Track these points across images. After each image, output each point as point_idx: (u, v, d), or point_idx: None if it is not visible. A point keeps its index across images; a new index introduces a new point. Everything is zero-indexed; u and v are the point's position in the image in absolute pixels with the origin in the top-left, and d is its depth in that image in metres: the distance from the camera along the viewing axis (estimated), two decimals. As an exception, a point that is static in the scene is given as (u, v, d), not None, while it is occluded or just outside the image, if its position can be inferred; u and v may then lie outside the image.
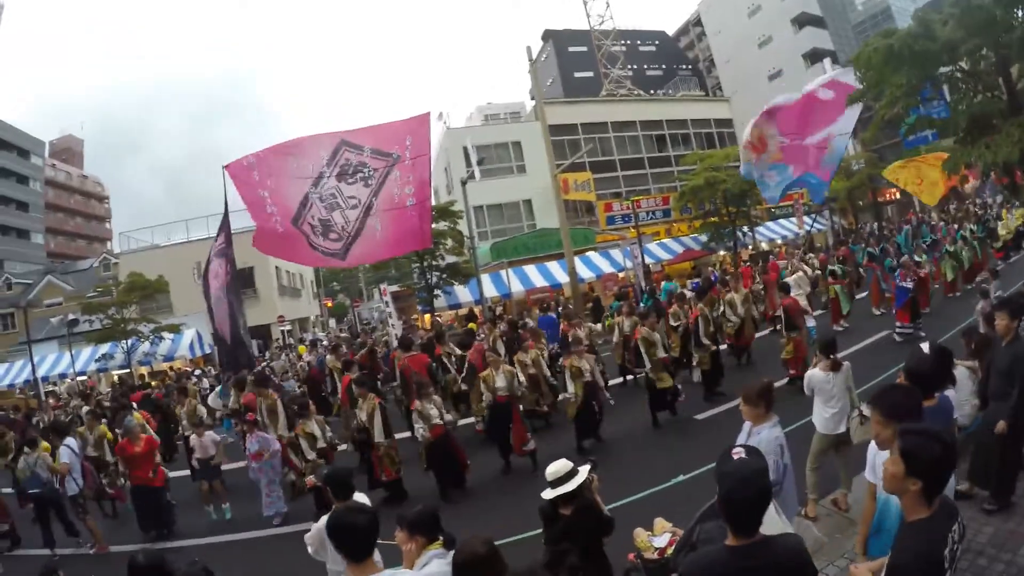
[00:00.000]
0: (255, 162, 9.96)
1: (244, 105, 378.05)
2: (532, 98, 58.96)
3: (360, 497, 5.03)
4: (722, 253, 31.11)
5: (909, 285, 14.36)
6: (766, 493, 2.69)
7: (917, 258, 17.32)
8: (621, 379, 15.12)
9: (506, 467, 10.26)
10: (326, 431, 9.66)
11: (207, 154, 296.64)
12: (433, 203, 25.03)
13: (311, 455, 9.20)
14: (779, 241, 34.45)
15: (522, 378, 11.49)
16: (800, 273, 16.52)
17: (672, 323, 13.78)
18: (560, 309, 20.69)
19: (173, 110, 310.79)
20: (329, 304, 47.54)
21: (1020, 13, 10.03)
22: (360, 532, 3.26)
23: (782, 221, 35.72)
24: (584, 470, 4.54)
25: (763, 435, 4.61)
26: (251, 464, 9.83)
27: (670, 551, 4.67)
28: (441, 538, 3.76)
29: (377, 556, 3.63)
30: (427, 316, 27.12)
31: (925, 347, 5.52)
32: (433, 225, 24.95)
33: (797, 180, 17.22)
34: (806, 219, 31.12)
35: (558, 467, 4.50)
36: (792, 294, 13.99)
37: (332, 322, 51.97)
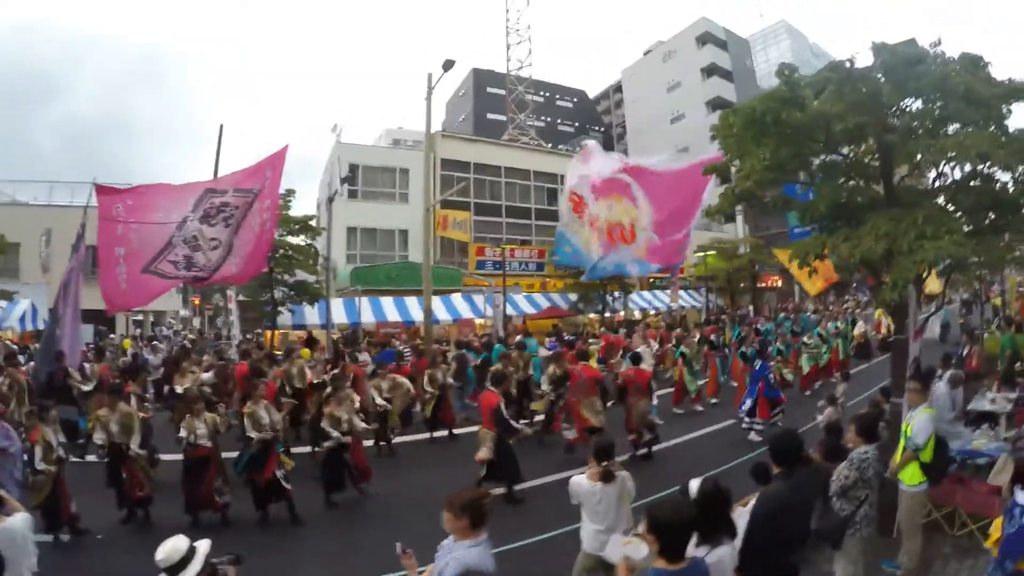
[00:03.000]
0: (122, 208, 10.19)
1: (163, 81, 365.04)
2: (443, 128, 58.70)
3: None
4: (591, 316, 30.05)
5: (779, 393, 13.86)
6: None
7: (780, 347, 16.72)
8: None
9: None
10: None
11: (119, 121, 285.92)
12: (300, 215, 23.44)
13: (42, 466, 8.11)
14: (651, 312, 33.74)
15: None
16: (644, 347, 15.52)
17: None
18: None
19: (91, 68, 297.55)
20: (196, 302, 43.83)
21: (915, 104, 8.98)
22: None
23: (657, 292, 35.18)
24: (200, 557, 3.70)
25: (455, 554, 3.78)
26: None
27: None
28: None
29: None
30: (268, 332, 24.71)
31: (695, 484, 4.22)
32: (290, 239, 23.26)
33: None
34: (681, 293, 30.61)
35: (168, 550, 3.62)
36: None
37: (197, 321, 48.54)
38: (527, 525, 8.05)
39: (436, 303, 24.33)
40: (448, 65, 22.70)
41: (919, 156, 8.53)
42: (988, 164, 8.48)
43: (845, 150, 9.82)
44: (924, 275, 7.93)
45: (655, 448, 11.95)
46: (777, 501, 4.29)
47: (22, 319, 27.38)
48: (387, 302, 26.43)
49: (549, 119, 71.34)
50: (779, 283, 44.59)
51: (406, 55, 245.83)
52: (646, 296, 34.69)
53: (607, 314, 29.22)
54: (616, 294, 29.74)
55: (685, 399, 15.97)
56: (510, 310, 26.20)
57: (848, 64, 8.46)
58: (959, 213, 9.43)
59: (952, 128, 8.69)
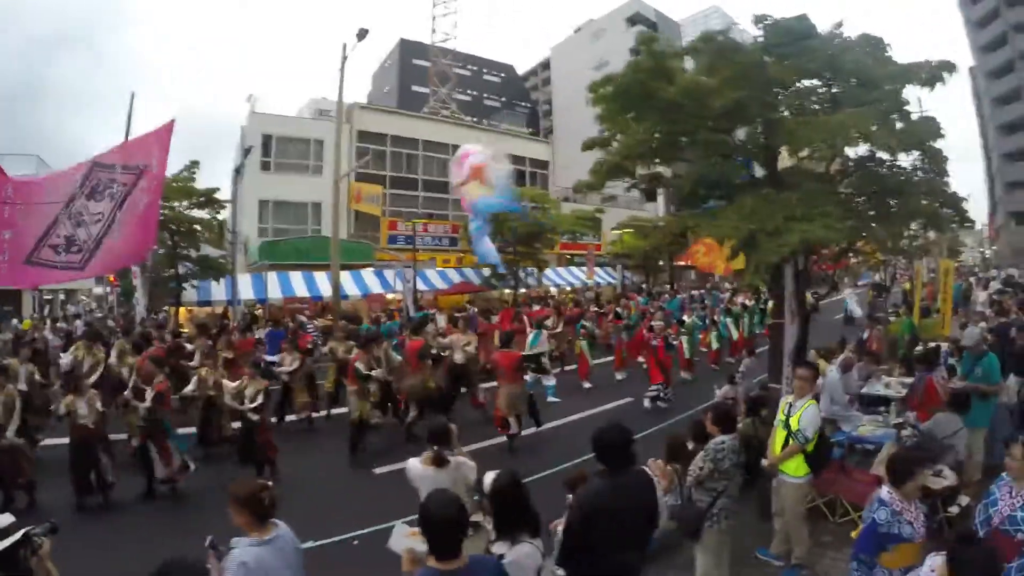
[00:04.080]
0: (11, 189, 9.68)
1: (86, 45, 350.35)
2: (368, 99, 57.55)
3: None
4: (507, 291, 29.91)
5: (654, 343, 14.13)
6: None
7: (685, 319, 17.19)
8: (325, 413, 13.20)
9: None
10: None
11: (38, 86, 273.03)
12: (206, 187, 22.56)
13: None
14: (567, 288, 33.81)
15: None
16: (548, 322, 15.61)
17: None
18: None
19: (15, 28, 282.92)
20: (112, 279, 42.03)
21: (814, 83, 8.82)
22: None
23: (573, 268, 35.25)
24: (18, 534, 3.51)
25: (234, 551, 3.36)
26: None
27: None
28: None
29: None
30: (174, 309, 23.73)
31: (489, 477, 4.05)
32: (195, 212, 22.36)
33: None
34: (598, 270, 30.71)
35: None
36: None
37: (112, 297, 46.84)
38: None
39: (346, 278, 23.87)
40: (362, 34, 22.08)
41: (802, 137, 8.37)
42: (875, 146, 8.41)
43: (740, 131, 9.58)
44: (786, 256, 7.74)
45: (535, 430, 11.46)
46: (594, 502, 3.84)
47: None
48: (295, 277, 25.67)
49: (476, 93, 70.73)
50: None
51: (337, 24, 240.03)
52: (561, 272, 34.69)
53: (521, 290, 29.14)
54: (530, 269, 29.72)
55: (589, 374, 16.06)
56: (421, 285, 25.80)
57: (721, 37, 8.18)
58: (863, 198, 9.37)
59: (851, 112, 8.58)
